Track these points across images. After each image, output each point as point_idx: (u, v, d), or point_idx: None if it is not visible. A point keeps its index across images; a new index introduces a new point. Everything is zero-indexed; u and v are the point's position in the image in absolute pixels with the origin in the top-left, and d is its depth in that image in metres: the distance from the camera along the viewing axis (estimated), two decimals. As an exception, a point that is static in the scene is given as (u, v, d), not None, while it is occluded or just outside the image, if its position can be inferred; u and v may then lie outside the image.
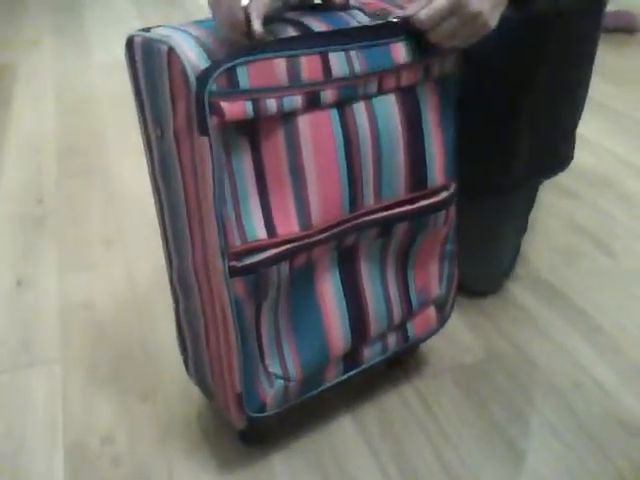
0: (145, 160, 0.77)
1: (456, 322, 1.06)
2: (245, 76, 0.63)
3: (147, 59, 0.68)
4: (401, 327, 0.87)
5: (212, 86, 0.61)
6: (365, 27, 0.71)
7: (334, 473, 0.82)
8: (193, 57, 0.64)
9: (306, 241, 0.71)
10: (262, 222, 0.69)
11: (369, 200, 0.75)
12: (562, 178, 1.46)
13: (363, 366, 0.86)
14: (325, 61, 0.67)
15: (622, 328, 1.05)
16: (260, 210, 0.69)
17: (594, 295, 1.12)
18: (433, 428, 0.88)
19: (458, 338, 1.03)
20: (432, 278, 0.87)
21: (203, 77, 0.61)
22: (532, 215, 1.17)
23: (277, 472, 0.82)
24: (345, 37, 0.69)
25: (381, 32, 0.71)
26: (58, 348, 1.02)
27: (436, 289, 0.88)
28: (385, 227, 0.78)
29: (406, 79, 0.73)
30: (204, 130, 0.63)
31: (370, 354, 0.85)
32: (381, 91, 0.72)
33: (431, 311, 0.90)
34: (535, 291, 1.13)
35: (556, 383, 0.95)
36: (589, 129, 1.67)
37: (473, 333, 1.04)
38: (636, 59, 2.13)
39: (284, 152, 0.68)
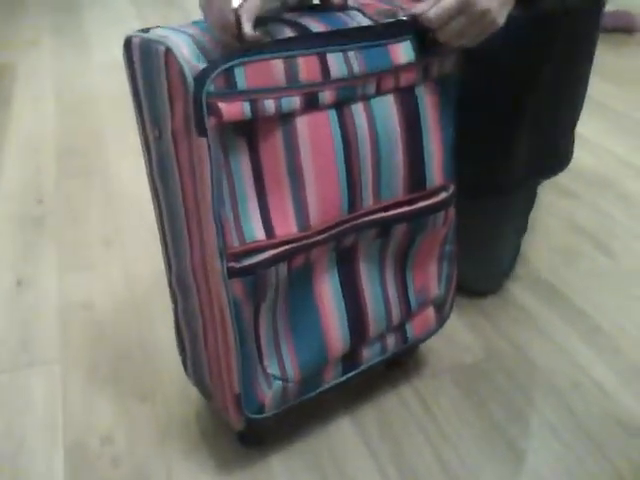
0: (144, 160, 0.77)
1: (456, 322, 1.06)
2: (243, 77, 0.63)
3: (145, 60, 0.68)
4: (400, 328, 0.87)
5: (210, 87, 0.61)
6: (364, 28, 0.71)
7: (333, 474, 0.82)
8: (191, 58, 0.64)
9: (304, 242, 0.71)
10: (260, 223, 0.69)
11: (368, 201, 0.75)
12: (562, 178, 1.46)
13: (362, 367, 0.86)
14: (323, 62, 0.67)
15: (621, 328, 1.05)
16: (258, 211, 0.69)
17: (593, 295, 1.12)
18: (432, 428, 0.88)
19: (458, 338, 1.03)
20: (431, 279, 0.87)
21: (201, 78, 0.61)
22: (532, 215, 1.17)
23: (276, 473, 0.82)
24: (343, 38, 0.69)
25: (380, 33, 0.71)
26: (57, 348, 1.02)
27: (435, 289, 0.88)
28: (384, 228, 0.78)
29: (405, 80, 0.73)
30: (202, 131, 0.63)
31: (369, 355, 0.85)
32: (380, 92, 0.72)
33: (430, 311, 0.90)
34: (535, 291, 1.13)
35: (555, 383, 0.95)
36: (589, 129, 1.67)
37: (473, 333, 1.04)
38: (635, 59, 2.13)
39: (282, 153, 0.68)
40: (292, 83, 0.66)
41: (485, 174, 1.01)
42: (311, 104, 0.67)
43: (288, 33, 0.69)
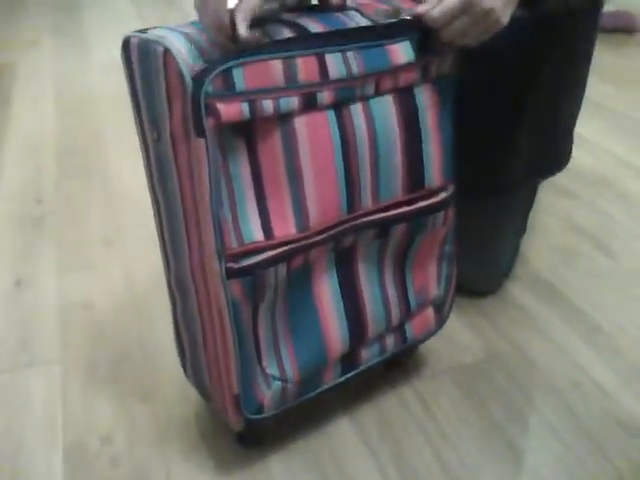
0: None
1: (455, 322, 1.06)
2: (241, 77, 0.63)
3: (143, 60, 0.68)
4: (399, 328, 0.87)
5: (208, 87, 0.61)
6: (362, 28, 0.71)
7: (333, 474, 0.82)
8: (189, 58, 0.64)
9: (303, 243, 0.71)
10: (259, 224, 0.69)
11: (367, 201, 0.75)
12: (561, 178, 1.46)
13: (361, 368, 0.85)
14: (322, 62, 0.67)
15: (621, 328, 1.05)
16: (257, 212, 0.69)
17: (593, 295, 1.12)
18: (432, 428, 0.88)
19: (457, 338, 1.03)
20: (430, 279, 0.87)
21: (199, 78, 0.61)
22: (531, 215, 1.17)
23: (275, 473, 0.82)
24: (342, 38, 0.69)
25: (378, 33, 0.71)
26: (57, 348, 1.02)
27: (434, 290, 0.88)
28: (383, 228, 0.78)
29: (403, 80, 0.73)
30: (200, 132, 0.63)
31: (368, 355, 0.85)
32: (378, 92, 0.72)
33: (429, 312, 0.89)
34: (534, 291, 1.13)
35: (555, 383, 0.95)
36: (588, 129, 1.67)
37: (472, 333, 1.04)
38: (635, 59, 2.13)
39: (281, 153, 0.68)
40: (291, 83, 0.65)
41: (485, 174, 1.01)
42: (310, 105, 0.67)
43: (287, 33, 0.69)
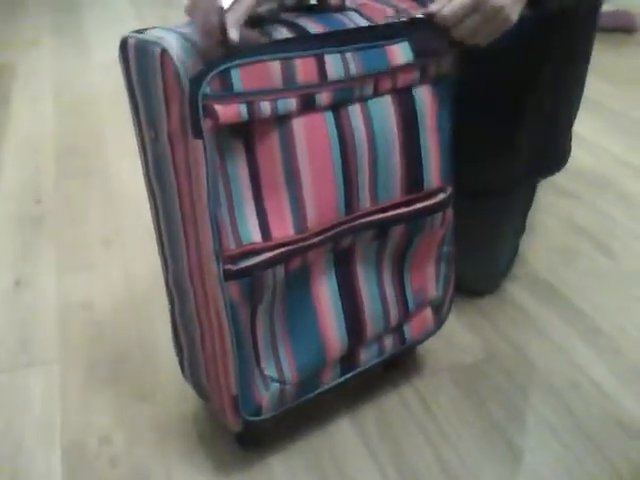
0: (141, 162, 0.77)
1: (454, 322, 1.06)
2: (239, 78, 0.63)
3: (140, 61, 0.68)
4: (398, 329, 0.87)
5: (206, 89, 0.61)
6: (361, 29, 0.71)
7: (333, 475, 0.82)
8: (186, 59, 0.63)
9: (301, 244, 0.71)
10: (257, 225, 0.69)
11: (365, 202, 0.75)
12: (560, 178, 1.45)
13: (360, 368, 0.85)
14: (320, 63, 0.67)
15: (621, 329, 1.04)
16: (255, 213, 0.68)
17: (593, 295, 1.12)
18: (432, 428, 0.88)
19: (456, 338, 1.03)
20: (429, 280, 0.87)
21: (196, 79, 0.61)
22: (530, 215, 1.17)
23: (275, 474, 0.82)
24: (341, 39, 0.68)
25: (377, 34, 0.71)
26: (56, 348, 1.02)
27: (433, 291, 0.88)
28: (381, 229, 0.78)
29: (402, 81, 0.73)
30: (198, 133, 0.62)
31: (367, 356, 0.85)
32: (377, 93, 0.72)
33: (428, 313, 0.89)
34: (533, 291, 1.13)
35: (554, 383, 0.95)
36: (586, 128, 1.67)
37: (471, 333, 1.04)
38: (634, 59, 2.13)
39: (279, 155, 0.67)
40: (289, 85, 0.65)
41: (485, 174, 1.01)
42: (308, 106, 0.67)
43: (285, 34, 0.69)
